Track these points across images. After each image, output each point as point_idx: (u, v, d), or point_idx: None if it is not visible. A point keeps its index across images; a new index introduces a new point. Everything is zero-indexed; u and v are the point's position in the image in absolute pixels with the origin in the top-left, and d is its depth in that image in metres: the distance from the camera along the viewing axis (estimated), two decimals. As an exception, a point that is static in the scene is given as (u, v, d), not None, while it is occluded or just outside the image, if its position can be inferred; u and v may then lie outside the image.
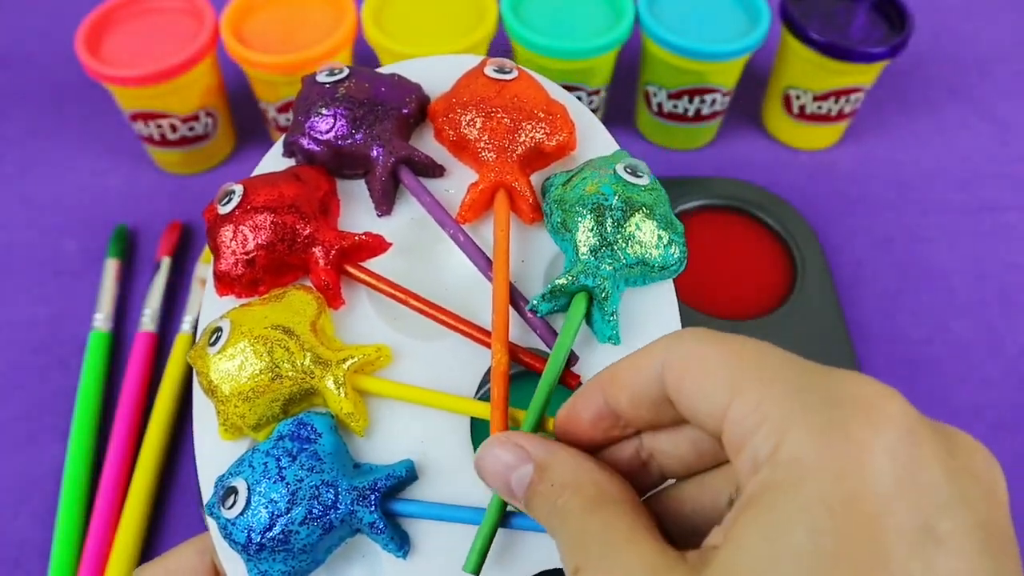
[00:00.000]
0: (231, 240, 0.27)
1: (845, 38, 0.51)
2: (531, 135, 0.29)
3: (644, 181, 0.27)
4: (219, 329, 0.26)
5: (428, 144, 0.31)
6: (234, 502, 0.23)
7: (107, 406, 0.45)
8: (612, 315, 0.26)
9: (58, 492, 0.42)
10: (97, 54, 0.49)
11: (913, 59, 0.62)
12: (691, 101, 0.53)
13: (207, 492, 0.26)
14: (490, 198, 0.29)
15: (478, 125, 0.29)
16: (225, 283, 0.28)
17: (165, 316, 0.48)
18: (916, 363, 0.47)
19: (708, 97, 0.53)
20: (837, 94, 0.53)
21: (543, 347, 0.27)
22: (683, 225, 0.27)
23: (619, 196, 0.26)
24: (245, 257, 0.27)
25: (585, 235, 0.26)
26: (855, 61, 0.50)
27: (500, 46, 0.53)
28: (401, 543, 0.24)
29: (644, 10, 0.51)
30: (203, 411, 0.27)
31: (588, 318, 0.27)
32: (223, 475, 0.25)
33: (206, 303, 0.29)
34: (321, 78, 0.31)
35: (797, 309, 0.46)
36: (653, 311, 0.27)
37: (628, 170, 0.27)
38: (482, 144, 0.29)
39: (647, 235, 0.26)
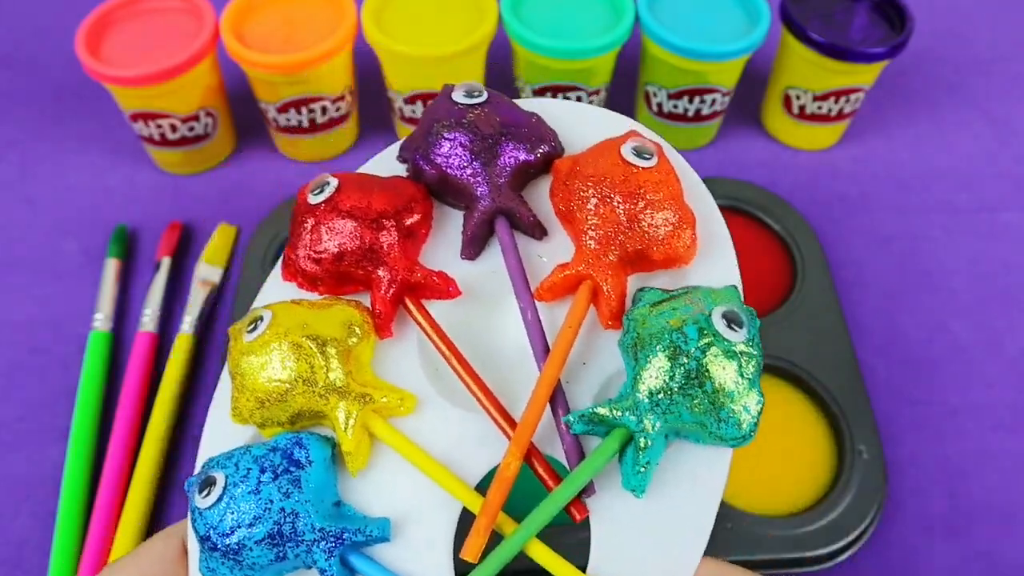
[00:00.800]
0: (307, 233, 0.27)
1: (845, 38, 0.51)
2: (643, 235, 0.26)
3: (739, 337, 0.23)
4: (260, 318, 0.25)
5: (540, 197, 0.28)
6: (208, 493, 0.23)
7: (107, 406, 0.45)
8: (644, 466, 0.23)
9: (58, 492, 0.42)
10: (97, 54, 0.49)
11: (913, 59, 0.62)
12: (691, 101, 0.53)
13: (199, 467, 0.25)
14: (575, 285, 0.26)
15: (591, 205, 0.26)
16: (290, 270, 0.27)
17: (165, 316, 0.48)
18: (916, 363, 0.47)
19: (708, 97, 0.53)
20: (837, 94, 0.53)
21: (564, 458, 0.25)
22: (763, 400, 0.23)
23: (702, 347, 0.23)
24: (313, 254, 0.26)
25: (649, 373, 0.23)
26: (855, 61, 0.50)
27: (500, 46, 0.53)
28: None
29: (644, 10, 0.51)
30: (227, 389, 0.26)
31: (621, 453, 0.24)
32: (212, 459, 0.24)
33: (269, 282, 0.28)
34: (457, 96, 0.28)
35: (797, 309, 0.46)
36: (693, 476, 0.24)
37: (727, 319, 0.23)
38: (588, 227, 0.26)
39: (716, 399, 0.23)
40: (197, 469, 0.25)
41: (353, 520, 0.24)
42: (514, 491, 0.24)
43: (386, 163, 0.30)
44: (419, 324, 0.27)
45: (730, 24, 0.52)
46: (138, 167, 0.56)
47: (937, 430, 0.45)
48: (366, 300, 0.27)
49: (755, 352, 0.24)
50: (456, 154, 0.27)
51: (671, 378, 0.23)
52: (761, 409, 0.23)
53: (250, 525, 0.23)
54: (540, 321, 0.26)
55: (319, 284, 0.27)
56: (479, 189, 0.27)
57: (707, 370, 0.23)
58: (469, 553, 0.23)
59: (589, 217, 0.26)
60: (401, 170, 0.30)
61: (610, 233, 0.26)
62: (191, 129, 0.53)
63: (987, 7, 0.68)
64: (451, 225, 0.29)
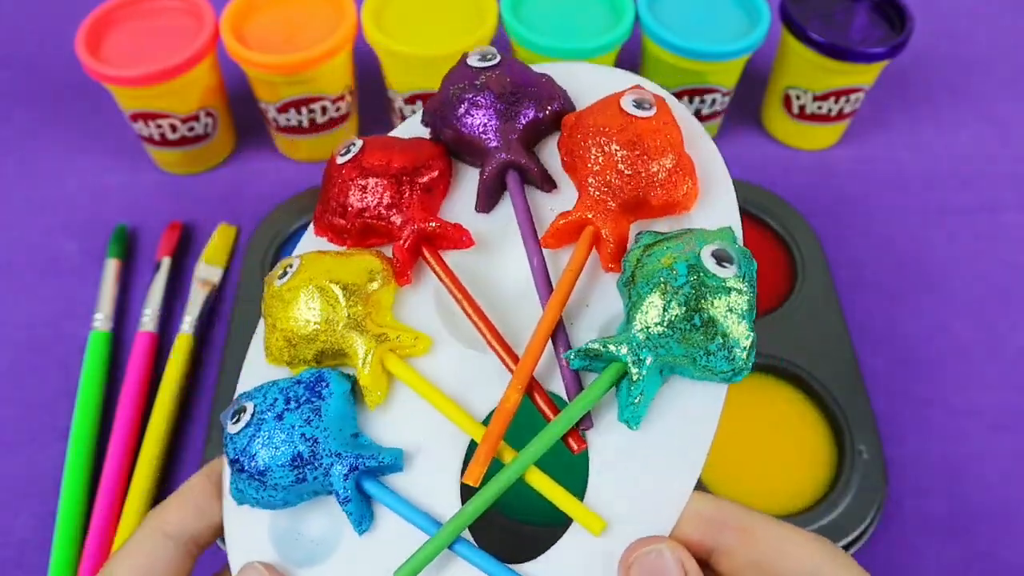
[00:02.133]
0: (334, 189, 0.29)
1: (845, 38, 0.51)
2: (641, 182, 0.27)
3: (728, 273, 0.24)
4: (290, 266, 0.28)
5: (552, 153, 0.30)
6: (238, 420, 0.25)
7: (107, 406, 0.45)
8: (637, 398, 0.24)
9: (58, 492, 0.42)
10: (97, 54, 0.49)
11: (913, 59, 0.62)
12: (691, 101, 0.53)
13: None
14: (577, 231, 0.28)
15: (591, 154, 0.27)
16: (320, 225, 0.30)
17: (165, 316, 0.48)
18: (916, 363, 0.47)
19: (708, 97, 0.53)
20: (837, 94, 0.53)
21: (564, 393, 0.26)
22: (754, 335, 0.24)
23: (692, 283, 0.24)
24: (339, 209, 0.29)
25: (642, 309, 0.24)
26: (855, 61, 0.50)
27: (500, 46, 0.53)
28: (361, 520, 0.25)
29: (644, 10, 0.51)
30: (260, 332, 0.29)
31: (618, 388, 0.25)
32: (244, 392, 0.27)
33: (304, 238, 0.31)
34: (472, 60, 0.30)
35: (797, 309, 0.46)
36: (687, 411, 0.25)
37: (716, 256, 0.24)
38: (589, 176, 0.27)
39: (706, 333, 0.24)
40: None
41: (368, 448, 0.26)
42: (523, 428, 0.26)
43: (412, 128, 0.32)
44: (434, 271, 0.28)
45: (730, 24, 0.52)
46: (138, 167, 0.56)
47: (937, 430, 0.45)
48: (388, 252, 0.29)
49: (745, 288, 0.24)
50: (470, 113, 0.29)
51: (662, 313, 0.24)
52: (752, 344, 0.24)
53: (275, 448, 0.25)
54: (546, 266, 0.27)
55: (346, 237, 0.29)
56: (491, 145, 0.29)
57: (696, 305, 0.24)
58: (471, 478, 0.24)
59: (590, 165, 0.27)
60: (425, 133, 0.32)
61: (610, 180, 0.27)
62: (191, 129, 0.53)
63: (987, 7, 0.68)
64: (470, 182, 0.30)
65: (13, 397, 0.46)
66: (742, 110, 0.59)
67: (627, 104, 0.28)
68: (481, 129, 0.29)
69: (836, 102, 0.54)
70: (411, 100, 0.53)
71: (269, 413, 0.25)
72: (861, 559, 0.39)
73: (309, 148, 0.56)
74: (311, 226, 0.31)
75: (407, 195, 0.28)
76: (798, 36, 0.51)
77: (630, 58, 0.55)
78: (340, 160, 0.29)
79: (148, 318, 0.47)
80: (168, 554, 0.26)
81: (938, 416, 0.45)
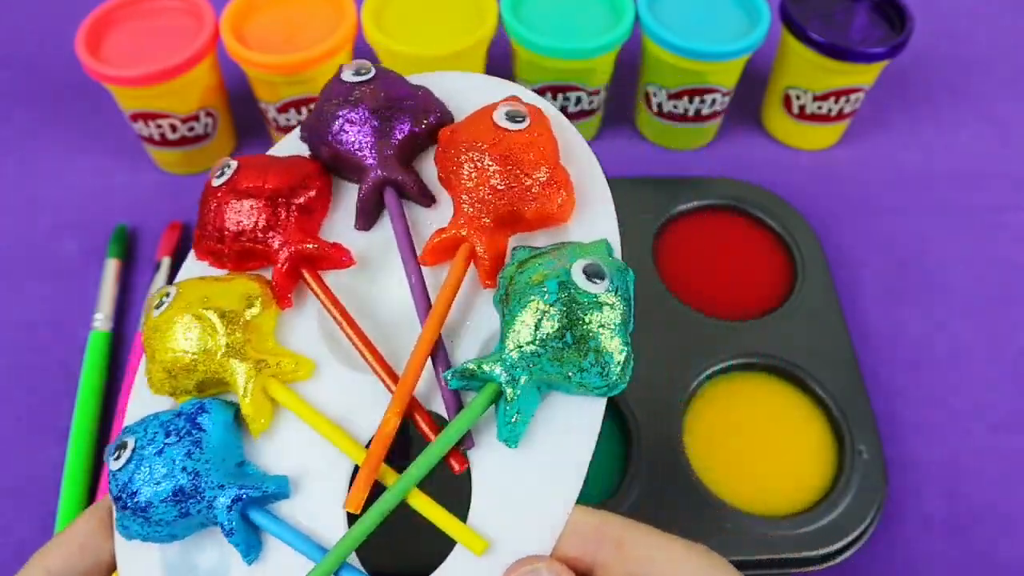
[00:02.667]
0: (210, 213, 0.28)
1: (845, 38, 0.51)
2: (514, 196, 0.26)
3: (599, 289, 0.24)
4: (167, 294, 0.27)
5: (433, 166, 0.30)
6: (119, 456, 0.25)
7: (107, 406, 0.45)
8: (514, 417, 0.24)
9: (58, 492, 0.42)
10: (97, 54, 0.49)
11: (913, 59, 0.62)
12: (691, 101, 0.53)
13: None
14: (453, 248, 0.27)
15: (465, 169, 0.27)
16: (200, 249, 0.29)
17: (165, 316, 0.48)
18: (916, 363, 0.47)
19: (708, 97, 0.53)
20: (837, 94, 0.53)
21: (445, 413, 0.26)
22: (628, 350, 0.24)
23: (563, 300, 0.24)
24: (216, 233, 0.28)
25: (515, 327, 0.24)
26: (855, 61, 0.50)
27: (500, 46, 0.53)
28: (248, 550, 0.25)
29: (644, 10, 0.51)
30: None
31: (497, 407, 0.25)
32: (127, 427, 0.26)
33: (187, 262, 0.30)
34: (345, 75, 0.30)
35: (797, 309, 0.46)
36: (567, 427, 0.25)
37: (586, 272, 0.24)
38: (464, 191, 0.27)
39: (579, 349, 0.24)
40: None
41: (253, 477, 0.26)
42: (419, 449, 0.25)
43: (293, 144, 0.31)
44: (315, 293, 0.28)
45: (730, 24, 0.52)
46: (138, 167, 0.56)
47: (937, 430, 0.45)
48: (269, 274, 0.29)
49: (618, 303, 0.24)
50: (345, 130, 0.29)
51: (534, 331, 0.24)
52: (626, 358, 0.24)
53: (156, 483, 0.24)
54: (424, 285, 0.27)
55: (225, 261, 0.29)
56: (367, 162, 0.29)
57: (568, 322, 0.24)
58: (351, 504, 0.24)
59: (464, 181, 0.27)
60: (306, 150, 0.31)
61: (483, 195, 0.27)
62: (191, 129, 0.53)
63: (987, 7, 0.68)
64: (350, 199, 0.30)
65: (13, 397, 0.46)
66: (742, 110, 0.59)
67: (499, 117, 0.27)
68: (356, 146, 0.29)
69: (836, 102, 0.54)
70: (411, 100, 0.53)
71: (150, 448, 0.25)
72: (861, 559, 0.40)
73: (309, 148, 0.56)
74: (191, 252, 0.30)
75: (283, 217, 0.28)
76: (798, 36, 0.51)
77: (630, 58, 0.55)
78: (215, 183, 0.29)
79: (148, 318, 0.47)
80: None
81: (938, 416, 0.45)
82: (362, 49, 0.53)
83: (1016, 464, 0.43)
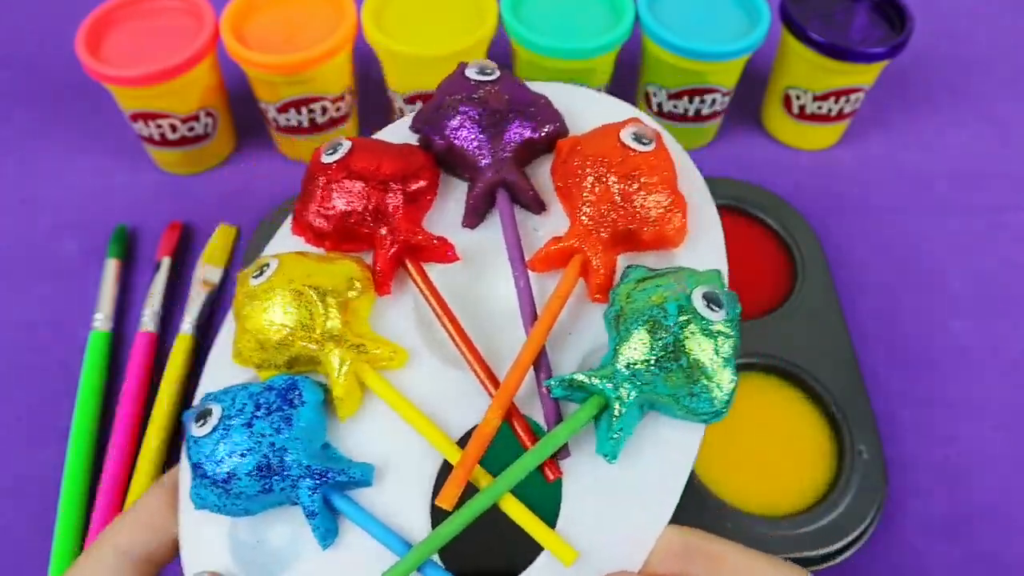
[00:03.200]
0: (319, 190, 0.28)
1: (845, 38, 0.51)
2: (635, 215, 0.27)
3: (718, 317, 0.24)
4: (267, 265, 0.27)
5: (543, 174, 0.30)
6: (204, 423, 0.24)
7: (107, 406, 0.45)
8: (618, 433, 0.24)
9: (58, 492, 0.42)
10: (97, 54, 0.49)
11: (913, 59, 0.62)
12: (691, 101, 0.53)
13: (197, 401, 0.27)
14: (566, 258, 0.27)
15: (587, 183, 0.27)
16: (300, 225, 0.29)
17: (165, 316, 0.48)
18: (916, 363, 0.47)
19: (708, 97, 0.53)
20: (837, 94, 0.53)
21: (543, 420, 0.26)
22: (737, 380, 0.24)
23: (681, 323, 0.24)
24: (322, 211, 0.28)
25: (629, 345, 0.24)
26: (855, 61, 0.50)
27: (500, 46, 0.53)
28: (326, 534, 0.25)
29: (644, 10, 0.51)
30: (231, 331, 0.28)
31: (597, 420, 0.25)
32: (210, 394, 0.26)
33: (277, 236, 0.30)
34: (470, 72, 0.30)
35: (797, 309, 0.46)
36: (665, 448, 0.25)
37: (706, 299, 0.24)
38: (583, 204, 0.27)
39: (691, 374, 0.24)
40: (196, 402, 0.27)
41: (338, 461, 0.25)
42: (498, 452, 0.25)
43: (399, 131, 0.31)
44: (416, 283, 0.28)
45: (730, 24, 0.52)
46: (138, 167, 0.56)
47: (937, 430, 0.45)
48: (368, 258, 0.28)
49: (732, 333, 0.24)
50: (465, 127, 0.28)
51: (649, 351, 0.24)
52: (734, 388, 0.24)
53: (241, 455, 0.24)
54: (531, 289, 0.27)
55: (325, 240, 0.28)
56: (483, 161, 0.28)
57: (684, 346, 0.24)
58: (445, 501, 0.24)
59: (585, 194, 0.27)
60: (413, 139, 0.31)
61: (603, 211, 0.27)
62: (191, 129, 0.53)
63: (987, 7, 0.68)
64: (456, 195, 0.30)
65: (13, 397, 0.46)
66: (742, 110, 0.59)
67: (627, 137, 0.28)
68: (475, 144, 0.28)
69: (836, 102, 0.54)
70: (411, 100, 0.53)
71: (237, 419, 0.24)
72: (861, 559, 0.40)
73: (309, 148, 0.56)
74: (286, 225, 0.30)
75: (394, 203, 0.28)
76: (798, 36, 0.51)
77: (630, 58, 0.55)
78: (326, 159, 0.28)
79: (148, 318, 0.47)
80: (122, 572, 0.25)
81: (938, 416, 0.45)
82: (362, 49, 0.53)
83: (1016, 464, 0.43)
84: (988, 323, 0.49)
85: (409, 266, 0.28)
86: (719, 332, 0.24)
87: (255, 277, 0.27)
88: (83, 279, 0.50)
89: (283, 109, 0.52)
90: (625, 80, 0.57)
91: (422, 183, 0.29)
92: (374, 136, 0.31)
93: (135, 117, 0.51)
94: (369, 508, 0.25)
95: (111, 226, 0.52)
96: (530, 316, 0.27)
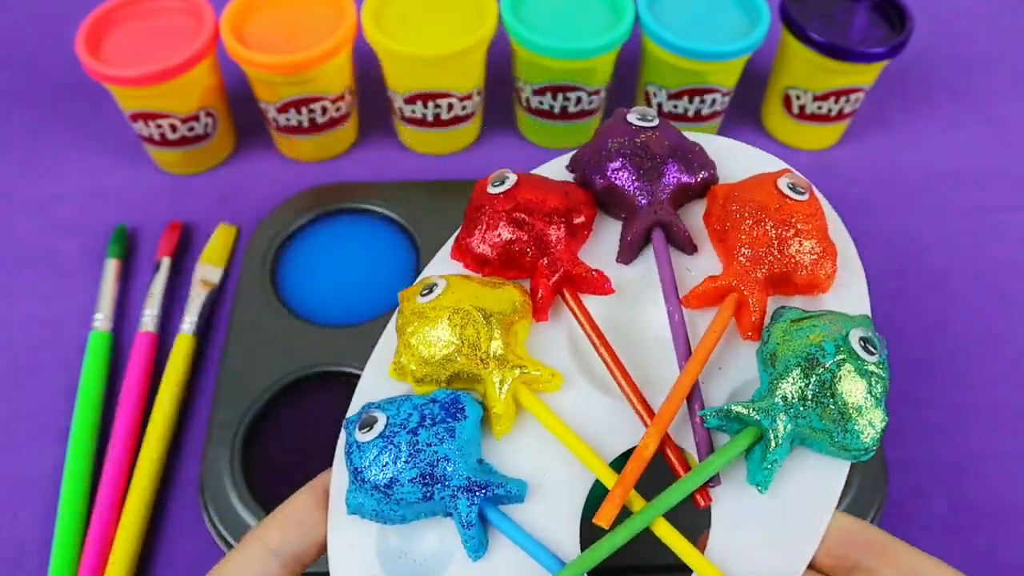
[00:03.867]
0: (485, 217, 0.29)
1: (845, 38, 0.51)
2: (790, 260, 0.28)
3: (873, 358, 0.25)
4: (435, 285, 0.28)
5: (693, 218, 0.31)
6: (369, 430, 0.25)
7: (107, 406, 0.45)
8: (771, 464, 0.25)
9: (58, 492, 0.42)
10: (97, 54, 0.49)
11: (913, 59, 0.62)
12: (691, 101, 0.53)
13: (356, 407, 0.28)
14: (721, 297, 0.29)
15: (746, 226, 0.29)
16: (462, 250, 0.30)
17: (165, 316, 0.48)
18: (916, 363, 0.47)
19: (708, 97, 0.53)
20: (837, 94, 0.53)
21: (693, 449, 0.27)
22: (888, 420, 0.25)
23: (838, 362, 0.25)
24: (487, 240, 0.29)
25: (787, 380, 0.25)
26: (855, 61, 0.50)
27: (500, 46, 0.53)
28: (478, 547, 0.25)
29: (644, 10, 0.51)
30: (387, 346, 0.29)
31: (748, 451, 0.26)
32: (372, 403, 0.27)
33: (437, 258, 0.31)
34: (631, 118, 0.31)
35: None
36: (812, 482, 0.26)
37: (862, 342, 0.26)
38: (741, 246, 0.29)
39: (845, 410, 0.25)
40: (351, 411, 0.28)
41: (496, 475, 0.26)
42: (643, 477, 0.26)
43: (555, 169, 0.33)
44: (573, 312, 0.29)
45: (730, 24, 0.52)
46: (138, 167, 0.56)
47: (937, 430, 0.45)
48: (525, 285, 0.30)
49: (884, 375, 0.26)
50: (627, 168, 0.30)
51: (806, 386, 0.25)
52: (885, 427, 0.25)
53: (405, 462, 0.25)
54: (685, 324, 0.28)
55: (486, 266, 0.30)
56: (642, 201, 0.30)
57: (840, 383, 0.25)
58: (603, 519, 0.24)
59: (743, 236, 0.29)
60: (568, 177, 0.33)
61: (761, 253, 0.28)
62: (191, 129, 0.53)
63: (987, 7, 0.68)
64: (609, 232, 0.31)
65: (13, 397, 0.46)
66: (742, 110, 0.59)
67: (783, 186, 0.29)
68: (635, 185, 0.30)
69: (836, 102, 0.54)
70: (411, 100, 0.53)
71: (403, 428, 0.25)
72: (861, 559, 0.40)
73: (309, 148, 0.56)
74: (444, 251, 0.31)
75: (556, 235, 0.29)
76: (798, 36, 0.51)
77: (630, 58, 0.55)
78: (493, 190, 0.30)
79: (148, 318, 0.47)
80: (271, 571, 0.26)
81: (938, 416, 0.45)
82: (362, 49, 0.53)
83: (1016, 464, 0.44)
84: (988, 323, 0.49)
85: (567, 295, 0.29)
86: (872, 372, 0.25)
87: (423, 295, 0.28)
88: (83, 279, 0.50)
89: (283, 109, 0.52)
90: (625, 80, 0.57)
91: (582, 218, 0.30)
92: (537, 173, 0.32)
93: (135, 117, 0.51)
94: (520, 525, 0.26)
95: (111, 226, 0.52)
96: (684, 349, 0.28)
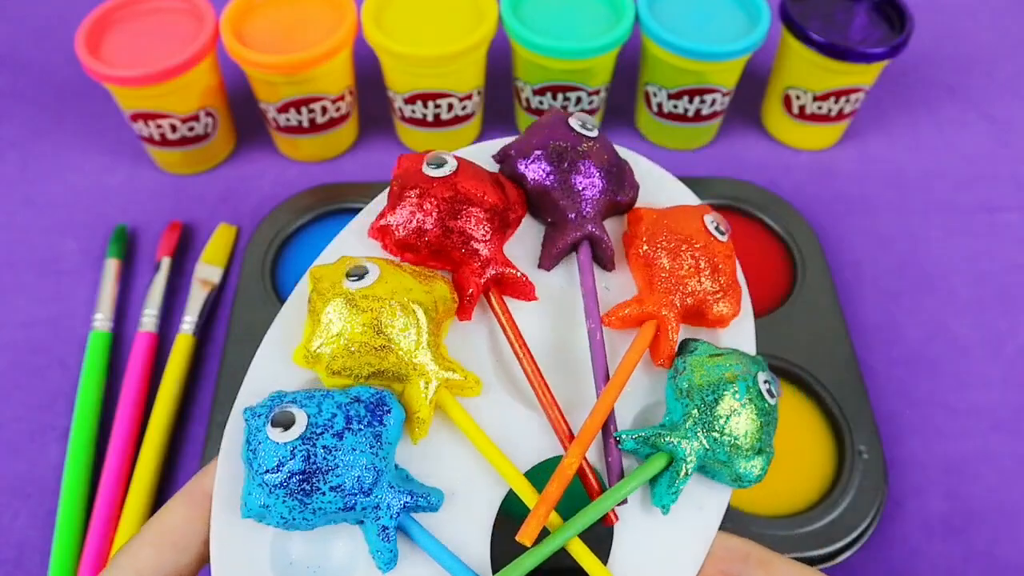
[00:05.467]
0: (418, 202, 0.27)
1: (845, 38, 0.51)
2: (707, 295, 0.29)
3: (773, 401, 0.27)
4: (365, 271, 0.26)
5: (612, 235, 0.31)
6: (286, 430, 0.23)
7: (107, 406, 0.45)
8: (678, 489, 0.26)
9: (58, 492, 0.42)
10: (97, 54, 0.49)
11: (913, 59, 0.62)
12: (691, 101, 0.53)
13: (248, 395, 0.26)
14: (640, 321, 0.29)
15: (674, 258, 0.29)
16: (383, 232, 0.28)
17: (165, 316, 0.48)
18: (916, 363, 0.47)
19: (708, 97, 0.53)
20: (837, 94, 0.53)
21: (603, 468, 0.27)
22: (773, 455, 0.27)
23: (746, 402, 0.26)
24: (420, 225, 0.27)
25: (702, 412, 0.26)
26: (855, 61, 0.50)
27: (500, 46, 0.53)
28: (392, 559, 0.24)
29: (644, 10, 0.51)
30: (287, 327, 0.27)
31: (655, 476, 0.27)
32: (286, 395, 0.24)
33: (348, 234, 0.29)
34: (574, 123, 0.30)
35: (797, 309, 0.46)
36: (700, 505, 0.27)
37: (767, 384, 0.27)
38: (665, 275, 0.29)
39: (749, 446, 0.26)
40: (250, 401, 0.25)
41: (416, 485, 0.25)
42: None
43: (477, 153, 0.31)
44: (497, 315, 0.28)
45: (730, 24, 0.52)
46: (138, 167, 0.56)
47: (937, 430, 0.45)
48: (449, 280, 0.28)
49: (775, 416, 0.27)
50: (564, 174, 0.29)
51: (723, 424, 0.26)
52: (769, 463, 0.27)
53: (329, 470, 0.23)
54: (604, 343, 0.28)
55: (409, 252, 0.28)
56: (573, 213, 0.29)
57: (747, 421, 0.26)
58: (526, 537, 0.24)
59: (672, 267, 0.29)
60: (494, 167, 0.31)
61: (684, 285, 0.29)
62: (191, 129, 0.53)
63: (987, 7, 0.68)
64: (528, 234, 0.31)
65: (13, 397, 0.46)
66: (742, 110, 0.59)
67: (710, 224, 0.30)
68: (570, 195, 0.29)
69: (836, 102, 0.54)
70: (411, 100, 0.53)
71: (327, 431, 0.23)
72: (861, 559, 0.40)
73: (309, 148, 0.56)
74: (354, 223, 0.29)
75: (493, 232, 0.28)
76: (798, 36, 0.51)
77: (630, 58, 0.55)
78: (430, 172, 0.28)
79: (148, 318, 0.47)
80: None
81: (938, 416, 0.45)
82: (362, 49, 0.53)
83: (1016, 464, 0.43)
84: (988, 323, 0.49)
85: (492, 297, 0.28)
86: (769, 413, 0.27)
87: (352, 280, 0.25)
88: (83, 279, 0.50)
89: (283, 109, 0.52)
90: (625, 80, 0.57)
91: (515, 216, 0.30)
92: (459, 151, 0.31)
93: (135, 117, 0.51)
94: (432, 533, 0.25)
95: (111, 226, 0.52)
96: (602, 368, 0.28)
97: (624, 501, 0.26)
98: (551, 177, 0.29)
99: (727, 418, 0.26)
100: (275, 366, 0.26)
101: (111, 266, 0.49)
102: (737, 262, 0.31)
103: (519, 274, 0.28)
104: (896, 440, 0.44)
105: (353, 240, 0.29)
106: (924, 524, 0.42)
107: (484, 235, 0.28)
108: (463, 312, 0.28)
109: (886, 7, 0.53)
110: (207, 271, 0.49)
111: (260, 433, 0.23)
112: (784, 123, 0.57)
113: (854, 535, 0.39)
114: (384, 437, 0.24)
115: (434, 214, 0.27)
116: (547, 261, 0.30)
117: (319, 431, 0.23)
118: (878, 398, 0.45)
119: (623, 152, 0.33)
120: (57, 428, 0.44)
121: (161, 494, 0.42)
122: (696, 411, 0.26)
